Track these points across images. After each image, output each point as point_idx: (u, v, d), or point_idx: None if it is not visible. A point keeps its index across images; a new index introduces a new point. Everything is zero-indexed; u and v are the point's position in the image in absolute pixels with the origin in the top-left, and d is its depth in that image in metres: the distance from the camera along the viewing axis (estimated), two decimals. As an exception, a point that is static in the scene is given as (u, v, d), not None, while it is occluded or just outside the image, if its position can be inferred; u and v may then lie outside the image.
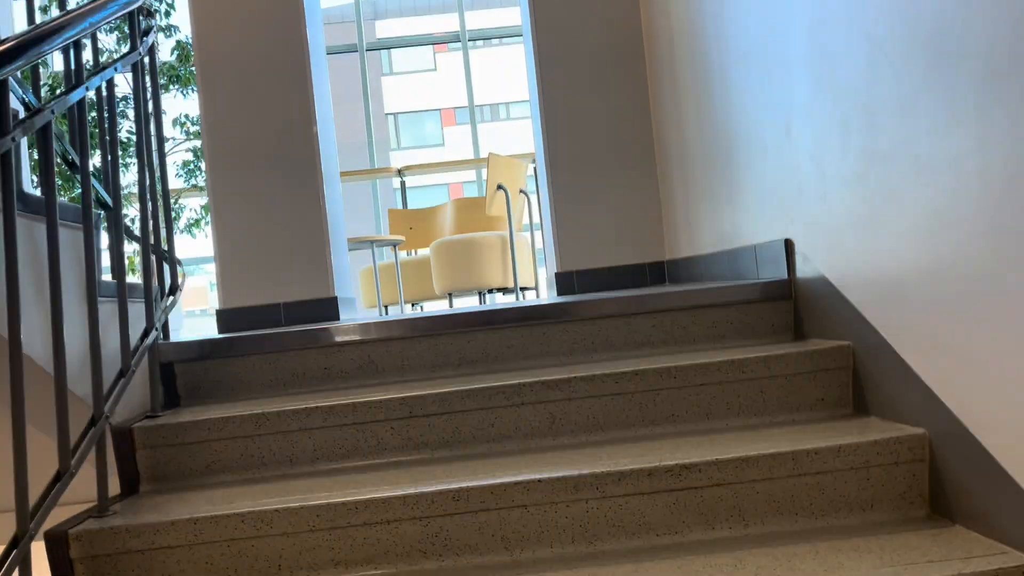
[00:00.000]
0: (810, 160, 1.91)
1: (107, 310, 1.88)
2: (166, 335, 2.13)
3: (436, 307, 6.21)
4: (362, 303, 6.07)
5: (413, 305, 6.24)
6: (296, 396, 2.01)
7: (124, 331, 1.74)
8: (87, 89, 1.62)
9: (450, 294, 4.76)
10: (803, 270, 2.02)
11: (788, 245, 2.10)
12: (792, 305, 2.11)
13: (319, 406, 1.81)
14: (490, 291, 5.34)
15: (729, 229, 2.59)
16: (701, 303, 2.10)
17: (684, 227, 3.16)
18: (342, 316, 3.50)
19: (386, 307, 6.00)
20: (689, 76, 2.86)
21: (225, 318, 3.44)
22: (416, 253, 6.26)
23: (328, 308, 3.45)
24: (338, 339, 2.08)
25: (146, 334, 1.88)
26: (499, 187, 4.76)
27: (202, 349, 2.08)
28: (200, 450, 1.81)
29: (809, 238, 1.97)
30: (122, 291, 1.75)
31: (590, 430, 1.83)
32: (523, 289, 4.89)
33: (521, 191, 5.01)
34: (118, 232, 1.82)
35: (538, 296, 4.93)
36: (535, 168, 4.27)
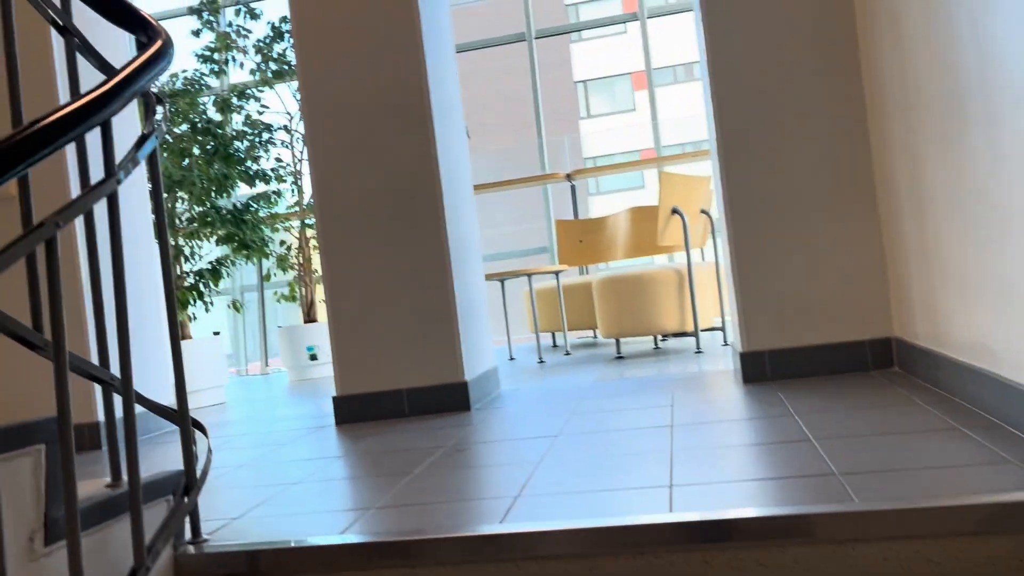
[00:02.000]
0: None
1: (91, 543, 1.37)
2: (196, 533, 1.62)
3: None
4: (527, 328, 5.48)
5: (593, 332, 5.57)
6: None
7: (85, 599, 1.21)
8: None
9: (617, 339, 4.04)
10: None
11: None
12: None
13: None
14: (665, 337, 4.58)
15: (1006, 350, 1.71)
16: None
17: (920, 303, 2.27)
18: (474, 402, 2.92)
19: (552, 335, 5.38)
20: (926, 102, 1.97)
21: (342, 406, 2.96)
22: (587, 271, 5.56)
23: (457, 396, 2.87)
24: (418, 560, 1.47)
25: (136, 576, 1.35)
26: (674, 211, 3.97)
27: (248, 563, 1.54)
28: None
29: None
30: (73, 531, 1.22)
31: None
32: (706, 330, 4.08)
33: (703, 211, 4.19)
34: (63, 423, 1.28)
35: (725, 340, 4.09)
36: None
